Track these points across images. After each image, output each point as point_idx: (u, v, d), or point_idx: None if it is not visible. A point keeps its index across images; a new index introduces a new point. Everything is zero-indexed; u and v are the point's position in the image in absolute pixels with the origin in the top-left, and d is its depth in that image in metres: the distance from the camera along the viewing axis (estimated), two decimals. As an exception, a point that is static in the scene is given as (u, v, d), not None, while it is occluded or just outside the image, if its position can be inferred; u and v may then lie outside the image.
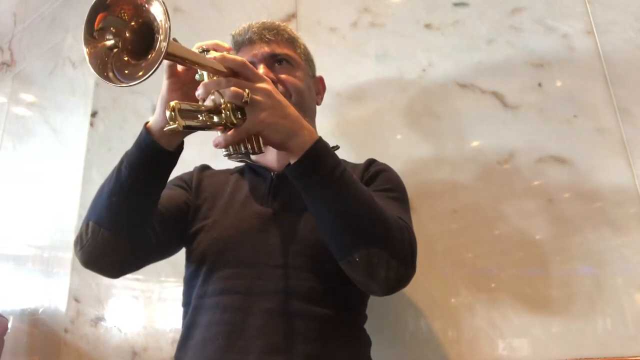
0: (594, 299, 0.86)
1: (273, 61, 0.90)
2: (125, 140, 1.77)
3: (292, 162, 0.66)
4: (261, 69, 0.87)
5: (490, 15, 1.10)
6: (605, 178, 0.90)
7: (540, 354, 0.88)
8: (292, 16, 1.42)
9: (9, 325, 1.85)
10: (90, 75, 2.04)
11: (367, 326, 0.85)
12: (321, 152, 0.66)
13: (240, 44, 0.92)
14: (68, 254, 1.79)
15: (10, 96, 2.54)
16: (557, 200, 0.93)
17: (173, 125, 0.58)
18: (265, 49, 0.89)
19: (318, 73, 1.03)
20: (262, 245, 0.78)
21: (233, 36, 0.94)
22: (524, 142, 0.99)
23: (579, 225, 0.90)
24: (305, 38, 1.00)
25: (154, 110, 1.86)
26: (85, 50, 0.57)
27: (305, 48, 0.98)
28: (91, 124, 1.94)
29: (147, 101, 1.74)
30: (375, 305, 0.87)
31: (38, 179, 2.13)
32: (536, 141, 0.98)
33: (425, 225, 1.02)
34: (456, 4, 1.15)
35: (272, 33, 0.91)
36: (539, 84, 1.01)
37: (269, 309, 0.73)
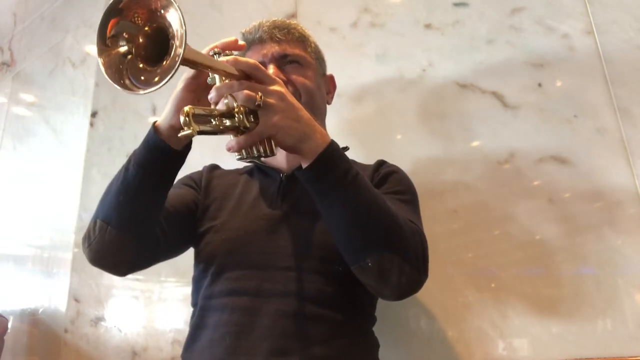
0: (594, 299, 0.86)
1: (283, 61, 0.89)
2: (125, 140, 1.77)
3: (304, 165, 0.66)
4: (271, 69, 0.86)
5: (490, 15, 1.10)
6: (605, 178, 0.90)
7: (540, 354, 0.88)
8: (292, 16, 1.42)
9: (9, 325, 1.85)
10: (90, 75, 2.04)
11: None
12: (333, 155, 0.65)
13: (250, 43, 0.92)
14: (68, 254, 1.79)
15: (10, 96, 2.54)
16: (557, 200, 0.93)
17: (188, 131, 0.57)
18: (276, 49, 0.89)
19: (319, 73, 1.02)
20: (271, 247, 0.78)
21: (243, 34, 0.93)
22: (524, 142, 0.99)
23: (579, 225, 0.90)
24: (305, 38, 1.00)
25: (154, 110, 1.86)
26: (99, 61, 0.57)
27: (316, 46, 0.97)
28: (91, 124, 1.94)
29: (147, 101, 1.74)
30: (377, 306, 0.87)
31: (38, 179, 2.13)
32: (536, 141, 0.98)
33: (426, 225, 1.01)
34: (456, 4, 1.15)
35: (283, 32, 0.90)
36: (539, 84, 1.01)
37: (278, 310, 0.72)
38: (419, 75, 1.16)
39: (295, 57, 0.90)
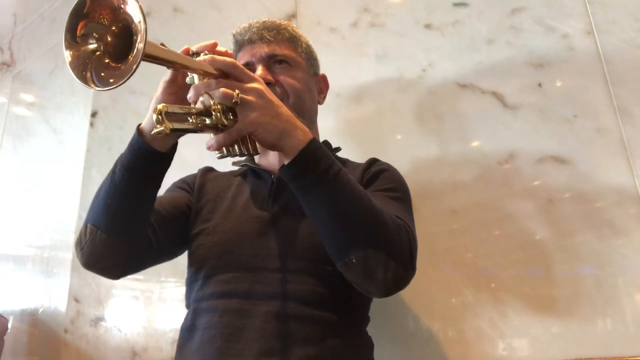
0: (594, 299, 0.86)
1: (272, 62, 0.89)
2: (125, 140, 1.75)
3: (286, 163, 0.66)
4: (260, 70, 0.86)
5: (490, 15, 1.10)
6: (605, 178, 0.90)
7: (540, 354, 0.88)
8: (292, 16, 1.42)
9: (9, 325, 1.85)
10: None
11: (368, 326, 0.85)
12: (315, 153, 0.65)
13: (240, 44, 0.92)
14: (68, 254, 1.79)
15: (10, 96, 2.54)
16: (557, 200, 0.93)
17: (160, 129, 0.57)
18: (265, 49, 0.89)
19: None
20: (262, 249, 0.78)
21: (234, 35, 0.94)
22: (524, 142, 0.99)
23: (579, 225, 0.90)
24: (305, 38, 1.00)
25: (154, 110, 1.83)
26: (67, 53, 0.56)
27: (308, 46, 0.97)
28: (91, 124, 1.94)
29: (148, 101, 1.73)
30: (376, 305, 0.87)
31: (38, 179, 2.13)
32: (536, 141, 0.98)
33: (426, 225, 1.02)
34: (456, 4, 1.15)
35: (272, 33, 0.90)
36: (539, 84, 1.01)
37: (268, 312, 0.72)
38: (419, 75, 1.16)
39: (285, 58, 0.90)
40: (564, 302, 0.88)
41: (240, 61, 0.91)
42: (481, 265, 0.97)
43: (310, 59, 0.97)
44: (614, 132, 0.91)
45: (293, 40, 0.93)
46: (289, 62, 0.90)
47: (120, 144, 1.79)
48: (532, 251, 0.93)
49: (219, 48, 0.69)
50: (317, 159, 0.65)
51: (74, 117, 2.06)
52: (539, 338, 0.89)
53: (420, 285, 0.99)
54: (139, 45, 0.52)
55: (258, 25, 0.91)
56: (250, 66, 0.89)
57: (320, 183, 0.65)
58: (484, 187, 1.01)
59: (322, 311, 0.74)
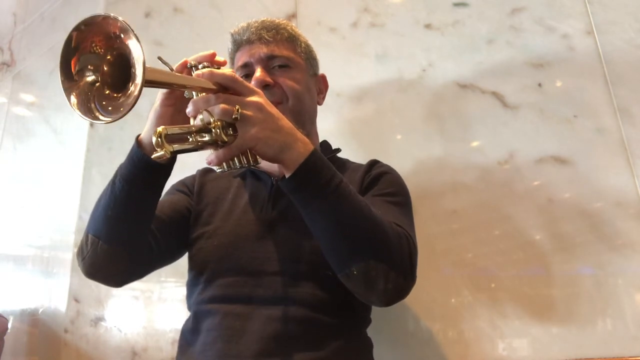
0: (594, 299, 0.86)
1: (271, 62, 0.88)
2: (125, 140, 1.77)
3: (286, 175, 0.65)
4: (258, 72, 0.85)
5: (490, 15, 1.10)
6: (605, 178, 0.90)
7: (540, 354, 0.88)
8: (292, 16, 1.42)
9: (9, 325, 1.85)
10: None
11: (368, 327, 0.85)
12: (316, 165, 0.65)
13: (238, 44, 0.91)
14: (68, 254, 1.79)
15: (10, 96, 2.53)
16: (557, 200, 0.93)
17: (160, 153, 0.56)
18: (264, 50, 0.88)
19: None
20: (261, 252, 0.77)
21: (232, 35, 0.92)
22: (524, 142, 0.99)
23: (579, 225, 0.90)
24: (305, 38, 0.99)
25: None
26: (72, 97, 0.54)
27: (307, 46, 0.95)
28: (91, 124, 1.93)
29: (147, 101, 1.72)
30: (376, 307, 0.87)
31: (38, 179, 2.13)
32: (536, 141, 0.98)
33: (426, 226, 1.02)
34: (456, 4, 1.15)
35: (271, 33, 0.89)
36: (539, 84, 1.01)
37: (269, 315, 0.72)
38: (419, 75, 1.16)
39: (284, 59, 0.89)
40: (564, 302, 0.88)
41: (238, 62, 0.90)
42: (481, 265, 0.97)
43: (310, 58, 0.96)
44: (614, 132, 0.91)
45: (292, 40, 0.92)
46: (289, 63, 0.89)
47: (120, 144, 1.79)
48: (532, 251, 0.93)
49: (217, 58, 0.68)
50: (318, 171, 0.65)
51: (74, 117, 2.04)
52: (539, 338, 0.89)
53: (420, 286, 0.98)
54: (138, 78, 0.50)
55: (256, 25, 0.90)
56: (249, 67, 0.88)
57: (321, 195, 0.64)
58: (484, 187, 1.01)
59: (322, 314, 0.74)
